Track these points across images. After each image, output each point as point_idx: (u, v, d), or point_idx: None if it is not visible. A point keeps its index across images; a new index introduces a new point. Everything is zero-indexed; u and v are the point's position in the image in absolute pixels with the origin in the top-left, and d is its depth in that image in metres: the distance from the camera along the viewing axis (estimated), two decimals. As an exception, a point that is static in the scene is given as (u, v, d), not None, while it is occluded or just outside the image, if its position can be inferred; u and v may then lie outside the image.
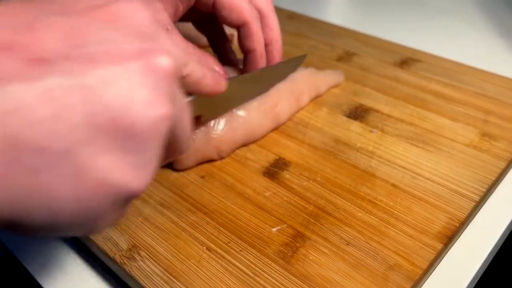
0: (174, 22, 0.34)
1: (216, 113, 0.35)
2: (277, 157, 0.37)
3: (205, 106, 0.33)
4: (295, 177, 0.35)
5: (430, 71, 0.46)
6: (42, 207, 0.16)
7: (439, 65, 0.47)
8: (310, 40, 0.54)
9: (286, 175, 0.35)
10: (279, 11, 0.61)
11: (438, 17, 0.61)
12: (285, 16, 0.60)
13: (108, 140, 0.17)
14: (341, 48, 0.52)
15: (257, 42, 0.35)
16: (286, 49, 0.52)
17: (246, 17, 0.34)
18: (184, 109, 0.21)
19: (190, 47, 0.25)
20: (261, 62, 0.36)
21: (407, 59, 0.49)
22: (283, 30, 0.56)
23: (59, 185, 0.16)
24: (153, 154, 0.18)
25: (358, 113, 0.41)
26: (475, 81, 0.44)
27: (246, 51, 0.36)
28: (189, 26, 0.40)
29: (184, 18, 0.36)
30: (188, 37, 0.34)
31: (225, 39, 0.40)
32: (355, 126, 0.40)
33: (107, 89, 0.16)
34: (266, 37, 0.36)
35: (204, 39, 0.41)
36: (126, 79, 0.17)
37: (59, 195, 0.16)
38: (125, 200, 0.18)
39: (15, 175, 0.15)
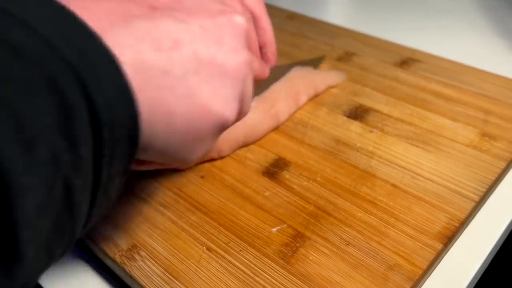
0: None
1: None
2: (277, 157, 0.37)
3: None
4: (295, 177, 0.35)
5: (430, 71, 0.46)
6: (163, 120, 0.20)
7: (439, 65, 0.47)
8: (310, 40, 0.54)
9: (286, 175, 0.35)
10: (279, 11, 0.61)
11: (438, 17, 0.61)
12: (285, 16, 0.60)
13: (209, 73, 0.21)
14: (341, 48, 0.52)
15: (251, 43, 0.35)
16: (286, 49, 0.52)
17: None
18: (251, 66, 0.24)
19: None
20: None
21: (407, 59, 0.49)
22: (283, 30, 0.57)
23: (176, 103, 0.20)
24: (239, 92, 0.23)
25: (358, 113, 0.41)
26: (475, 81, 0.44)
27: None
28: None
29: None
30: None
31: None
32: (355, 126, 0.40)
33: (205, 34, 0.21)
34: (260, 39, 0.36)
35: None
36: (216, 29, 0.22)
37: (176, 111, 0.20)
38: (220, 126, 0.22)
39: (145, 91, 0.19)
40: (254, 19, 0.36)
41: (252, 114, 0.37)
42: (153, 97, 0.19)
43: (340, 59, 0.50)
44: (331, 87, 0.45)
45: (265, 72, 0.31)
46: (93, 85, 0.16)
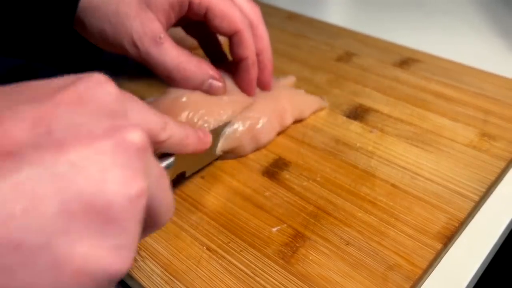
0: (166, 30, 0.34)
1: (200, 165, 0.35)
2: (277, 157, 0.37)
3: (188, 161, 0.32)
4: (295, 177, 0.35)
5: (430, 71, 0.46)
6: None
7: (439, 65, 0.47)
8: (310, 40, 0.54)
9: (286, 175, 0.35)
10: (278, 11, 0.61)
11: (438, 17, 0.61)
12: (285, 16, 0.60)
13: (85, 226, 0.16)
14: (341, 48, 0.52)
15: (249, 49, 0.35)
16: (286, 49, 0.52)
17: (238, 26, 0.34)
18: (161, 177, 0.20)
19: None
20: (253, 70, 0.36)
21: (407, 59, 0.49)
22: (283, 30, 0.57)
23: (37, 283, 0.15)
24: (133, 233, 0.17)
25: (358, 113, 0.41)
26: (475, 81, 0.44)
27: (239, 59, 0.36)
28: (176, 28, 0.40)
29: (175, 24, 0.36)
30: (175, 40, 0.34)
31: (216, 41, 0.40)
32: (355, 126, 0.40)
33: (78, 174, 0.16)
34: (257, 46, 0.36)
35: (190, 40, 0.41)
36: (97, 160, 0.16)
37: None
38: (108, 282, 0.17)
39: None
40: (251, 27, 0.36)
41: (232, 135, 0.36)
42: (3, 284, 0.14)
43: (340, 59, 0.50)
44: (314, 113, 0.42)
45: (205, 142, 0.27)
46: None
